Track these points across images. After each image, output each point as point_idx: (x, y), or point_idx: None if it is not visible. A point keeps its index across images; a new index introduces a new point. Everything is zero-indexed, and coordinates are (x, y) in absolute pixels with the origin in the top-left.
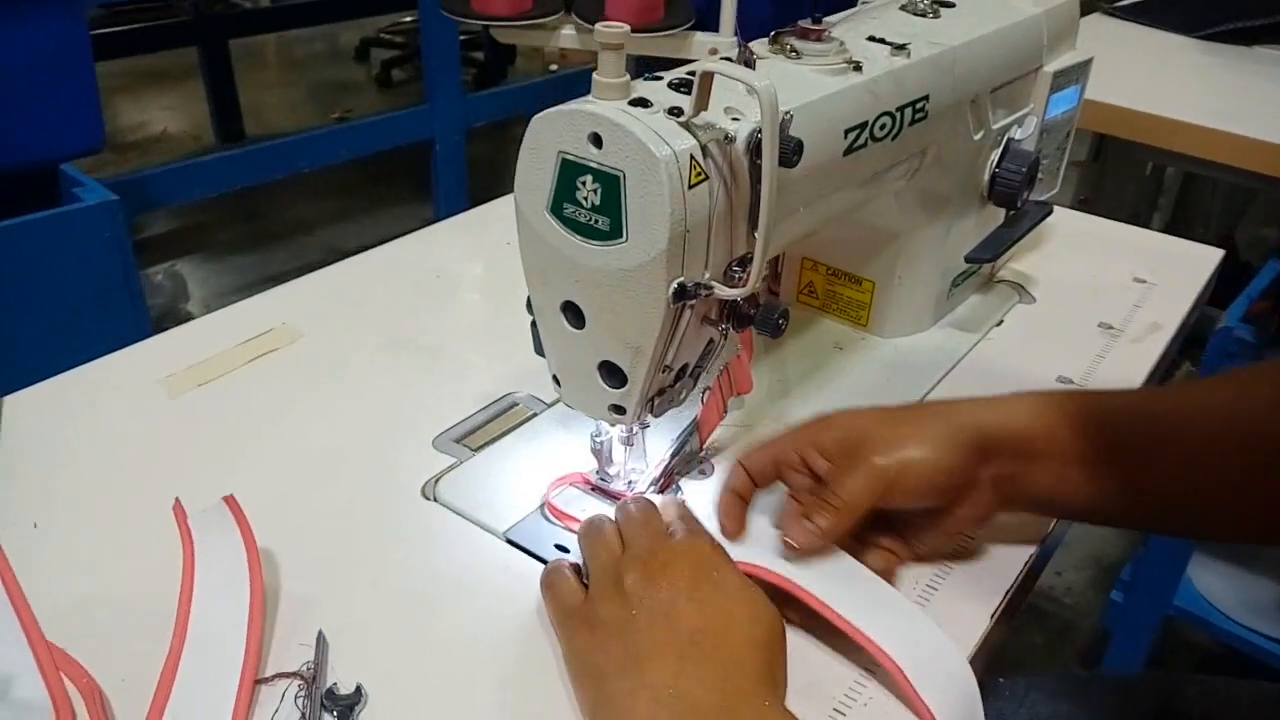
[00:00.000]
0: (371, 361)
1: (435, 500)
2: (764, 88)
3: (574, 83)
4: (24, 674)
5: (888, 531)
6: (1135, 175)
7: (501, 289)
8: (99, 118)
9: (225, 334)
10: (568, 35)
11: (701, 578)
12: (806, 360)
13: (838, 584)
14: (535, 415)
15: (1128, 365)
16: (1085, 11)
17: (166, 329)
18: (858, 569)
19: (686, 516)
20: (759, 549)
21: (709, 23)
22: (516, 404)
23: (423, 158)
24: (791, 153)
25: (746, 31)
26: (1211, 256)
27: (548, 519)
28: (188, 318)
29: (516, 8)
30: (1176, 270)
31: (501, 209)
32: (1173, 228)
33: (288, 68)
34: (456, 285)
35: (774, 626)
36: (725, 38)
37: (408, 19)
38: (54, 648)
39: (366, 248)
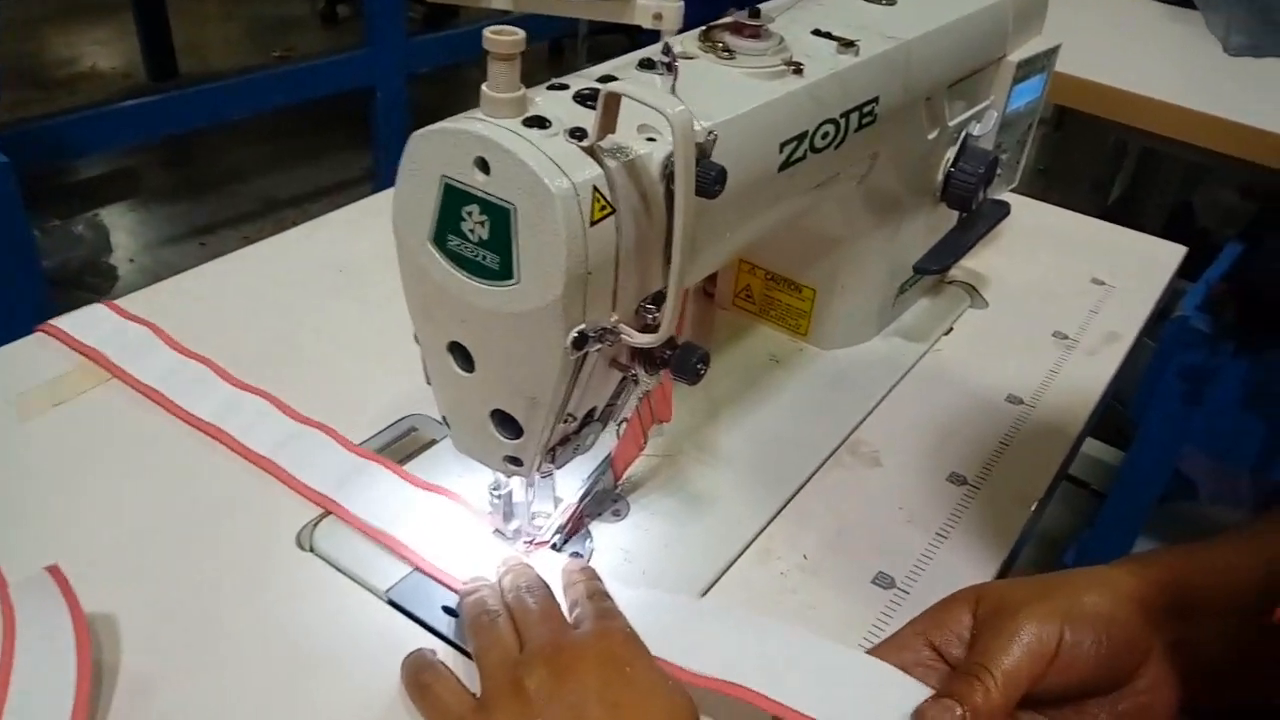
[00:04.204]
0: (252, 374)
1: (311, 550)
2: (677, 114)
3: (530, 25)
4: None
5: None
6: (1098, 145)
7: None
8: None
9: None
10: None
11: (613, 675)
12: (738, 376)
13: (778, 672)
14: (434, 443)
15: (1081, 380)
16: None
17: (87, 284)
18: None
19: (596, 594)
20: (681, 646)
21: None
22: (415, 429)
23: (363, 104)
24: (713, 182)
25: None
26: (1173, 255)
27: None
28: (110, 271)
29: None
30: (1136, 270)
31: None
32: (1133, 190)
33: (229, 1)
34: (360, 283)
35: None
36: (672, 2)
37: None
38: None
39: (301, 198)
